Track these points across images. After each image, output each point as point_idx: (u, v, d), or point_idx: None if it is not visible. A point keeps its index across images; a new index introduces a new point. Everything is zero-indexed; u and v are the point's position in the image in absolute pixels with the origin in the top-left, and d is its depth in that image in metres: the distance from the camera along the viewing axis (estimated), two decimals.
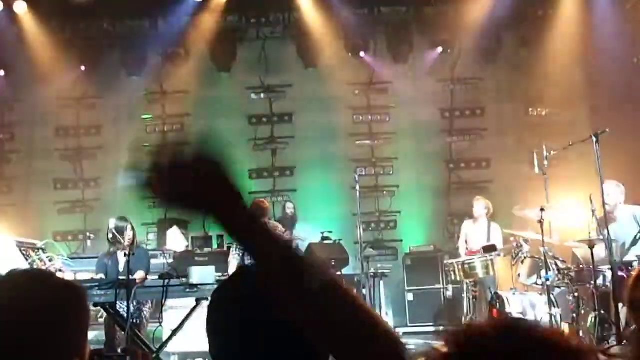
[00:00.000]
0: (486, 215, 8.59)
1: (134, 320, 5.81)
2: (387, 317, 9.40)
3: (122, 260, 6.14)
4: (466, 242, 8.72)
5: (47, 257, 6.05)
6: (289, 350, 1.22)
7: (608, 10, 9.75)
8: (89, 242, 10.62)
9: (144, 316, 6.26)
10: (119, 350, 5.85)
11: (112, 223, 6.45)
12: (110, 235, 6.43)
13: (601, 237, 6.18)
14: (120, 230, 6.35)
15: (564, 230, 7.64)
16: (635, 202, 6.70)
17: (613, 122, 7.04)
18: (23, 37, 10.40)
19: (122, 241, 6.23)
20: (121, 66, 11.10)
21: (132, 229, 6.52)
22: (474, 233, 8.62)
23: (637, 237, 6.58)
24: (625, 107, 9.24)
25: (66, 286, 1.43)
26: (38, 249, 6.12)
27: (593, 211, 6.41)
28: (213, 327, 1.30)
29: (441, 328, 9.14)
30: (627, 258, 6.41)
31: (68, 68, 10.79)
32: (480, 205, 8.63)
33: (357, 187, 6.12)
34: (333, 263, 8.15)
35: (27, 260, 5.78)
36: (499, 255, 7.79)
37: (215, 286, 1.34)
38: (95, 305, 5.16)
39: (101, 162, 11.36)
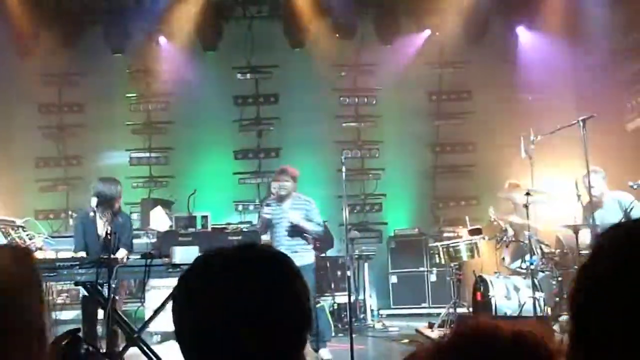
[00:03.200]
0: None
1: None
2: (371, 299, 9.42)
3: (101, 226, 5.88)
4: None
5: (27, 235, 5.96)
6: (252, 340, 1.17)
7: None
8: (70, 220, 10.49)
9: (119, 293, 6.13)
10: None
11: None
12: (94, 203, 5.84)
13: (586, 222, 6.21)
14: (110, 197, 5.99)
15: (548, 215, 7.66)
16: (619, 187, 6.71)
17: (599, 107, 7.05)
18: (3, 12, 10.16)
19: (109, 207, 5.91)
20: (105, 43, 10.91)
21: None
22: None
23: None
24: (611, 93, 9.25)
25: (14, 251, 1.37)
26: (18, 226, 6.02)
27: (579, 196, 6.44)
28: (178, 314, 1.24)
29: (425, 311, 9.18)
30: None
31: (50, 44, 10.58)
32: None
33: (343, 170, 6.06)
34: (318, 245, 8.12)
35: (6, 238, 5.68)
36: (483, 238, 7.81)
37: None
38: (77, 284, 5.09)
39: (84, 140, 11.22)
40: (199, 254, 1.32)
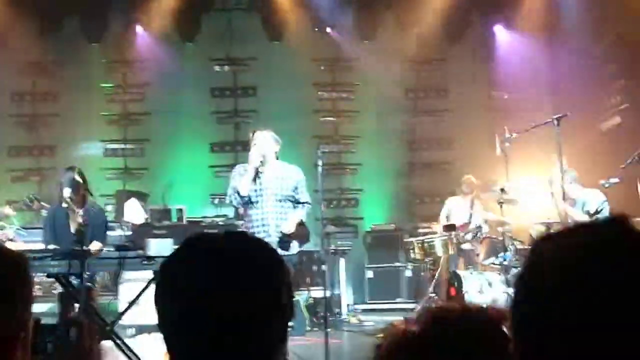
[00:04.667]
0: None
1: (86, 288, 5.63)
2: (347, 294, 9.45)
3: (73, 221, 5.74)
4: (447, 218, 8.76)
5: None
6: (238, 328, 1.17)
7: None
8: (43, 211, 10.35)
9: (96, 286, 6.05)
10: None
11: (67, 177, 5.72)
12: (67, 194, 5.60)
13: (558, 219, 6.29)
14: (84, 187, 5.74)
15: (522, 212, 7.75)
16: (592, 186, 6.81)
17: (575, 106, 7.14)
18: None
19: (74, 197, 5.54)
20: (81, 33, 10.77)
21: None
22: (459, 209, 8.66)
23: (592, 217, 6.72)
24: (587, 92, 9.38)
25: (8, 256, 1.35)
26: None
27: (552, 193, 6.53)
28: (157, 302, 1.23)
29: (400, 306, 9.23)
30: None
31: (25, 33, 10.40)
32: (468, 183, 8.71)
33: (320, 164, 6.03)
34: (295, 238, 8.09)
35: None
36: (458, 234, 7.87)
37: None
38: (49, 276, 5.03)
39: (57, 130, 11.06)
40: (188, 236, 1.30)
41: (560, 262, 0.92)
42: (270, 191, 5.61)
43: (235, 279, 1.19)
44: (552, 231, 1.06)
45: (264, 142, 5.68)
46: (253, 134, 5.85)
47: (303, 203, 5.76)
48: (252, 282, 1.20)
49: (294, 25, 10.73)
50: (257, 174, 5.59)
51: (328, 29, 11.00)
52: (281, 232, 5.56)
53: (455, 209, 8.76)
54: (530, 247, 1.04)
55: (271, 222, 5.57)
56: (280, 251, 1.30)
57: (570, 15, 9.75)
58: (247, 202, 5.62)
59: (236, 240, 1.27)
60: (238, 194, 5.57)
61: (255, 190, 5.60)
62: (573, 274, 0.90)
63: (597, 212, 6.67)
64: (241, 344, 1.17)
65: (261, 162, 5.59)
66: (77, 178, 5.72)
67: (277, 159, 5.80)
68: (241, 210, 6.02)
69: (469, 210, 8.64)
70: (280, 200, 5.63)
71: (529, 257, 0.98)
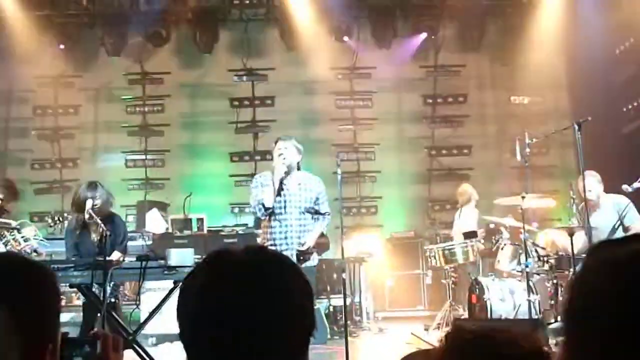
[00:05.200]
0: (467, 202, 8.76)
1: (111, 301, 5.70)
2: (367, 301, 9.42)
3: (95, 232, 5.79)
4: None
5: (22, 237, 5.94)
6: (261, 340, 1.18)
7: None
8: (66, 222, 10.46)
9: (119, 297, 6.11)
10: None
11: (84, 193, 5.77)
12: (86, 215, 5.67)
13: (581, 225, 6.22)
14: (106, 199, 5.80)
15: (544, 218, 7.68)
16: (614, 190, 6.73)
17: (594, 111, 7.07)
18: (1, 14, 10.16)
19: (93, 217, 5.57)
20: (101, 45, 10.92)
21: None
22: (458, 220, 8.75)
23: (616, 226, 6.63)
24: (607, 97, 9.29)
25: (37, 269, 1.37)
26: (13, 228, 6.00)
27: (573, 199, 6.46)
28: (180, 314, 1.25)
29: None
30: None
31: (46, 46, 10.57)
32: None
33: (339, 172, 6.04)
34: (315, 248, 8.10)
35: (1, 240, 5.67)
36: (479, 241, 7.83)
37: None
38: (71, 286, 5.08)
39: (79, 143, 11.22)
40: (210, 252, 1.31)
41: (613, 267, 1.00)
42: (294, 203, 5.65)
43: (255, 293, 1.20)
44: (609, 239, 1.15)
45: (288, 153, 5.68)
46: (276, 143, 5.86)
47: (323, 214, 5.78)
48: (272, 296, 1.21)
49: (310, 35, 10.78)
50: (281, 185, 5.60)
51: (345, 38, 11.02)
52: (301, 245, 5.59)
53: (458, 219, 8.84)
54: (588, 251, 1.11)
55: (293, 234, 5.62)
56: (300, 262, 1.31)
57: (589, 19, 9.67)
58: (271, 213, 5.63)
59: (256, 255, 1.29)
60: (263, 205, 5.59)
61: (279, 202, 5.62)
62: (625, 278, 0.97)
63: (623, 215, 6.58)
64: (261, 358, 1.19)
65: (285, 172, 5.62)
66: (101, 190, 5.79)
67: (299, 169, 5.82)
68: (263, 221, 5.92)
69: (464, 218, 8.75)
70: (302, 212, 5.67)
71: (585, 260, 1.08)
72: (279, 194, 5.60)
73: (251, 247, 1.31)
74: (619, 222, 6.61)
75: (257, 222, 9.04)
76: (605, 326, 0.96)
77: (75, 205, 5.81)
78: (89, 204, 5.60)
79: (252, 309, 1.18)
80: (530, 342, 1.10)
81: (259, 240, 6.65)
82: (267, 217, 5.69)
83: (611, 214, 6.64)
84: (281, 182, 5.61)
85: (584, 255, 5.60)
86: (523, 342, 1.10)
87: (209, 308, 1.20)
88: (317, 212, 5.76)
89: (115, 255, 5.70)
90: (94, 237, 5.75)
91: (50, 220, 6.90)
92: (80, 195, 5.78)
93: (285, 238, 5.60)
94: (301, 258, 5.55)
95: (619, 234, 6.50)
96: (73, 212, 5.92)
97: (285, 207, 5.63)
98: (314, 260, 5.83)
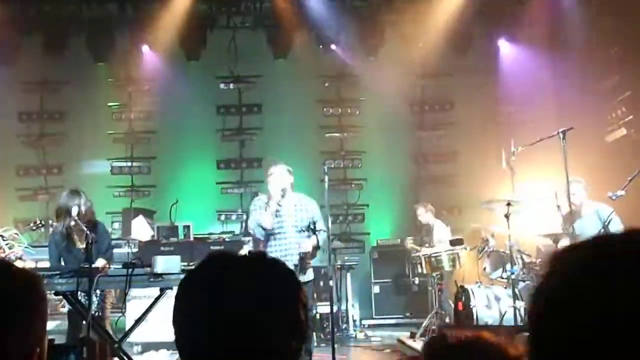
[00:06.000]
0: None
1: (97, 312, 5.65)
2: (354, 309, 9.42)
3: (79, 241, 5.75)
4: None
5: (7, 244, 5.89)
6: (259, 346, 1.18)
7: (577, 5, 9.86)
8: (50, 229, 10.38)
9: (106, 307, 6.06)
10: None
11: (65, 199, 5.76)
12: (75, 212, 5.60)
13: (566, 232, 6.27)
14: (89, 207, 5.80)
15: (529, 225, 7.73)
16: (598, 198, 6.79)
17: (580, 119, 7.14)
18: None
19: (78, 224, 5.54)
20: (87, 51, 10.87)
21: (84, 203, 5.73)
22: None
23: (601, 233, 6.69)
24: (592, 104, 9.37)
25: (24, 275, 1.37)
26: None
27: (558, 206, 6.51)
28: (179, 318, 1.24)
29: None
30: None
31: (32, 51, 10.52)
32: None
33: (326, 180, 6.06)
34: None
35: None
36: (465, 248, 7.86)
37: (181, 276, 1.29)
38: (57, 294, 5.04)
39: (65, 149, 11.14)
40: (208, 255, 1.30)
41: (570, 273, 0.96)
42: (291, 222, 5.89)
43: (255, 296, 1.21)
44: (572, 243, 1.09)
45: (280, 177, 5.93)
46: (268, 170, 6.12)
47: (319, 231, 5.96)
48: (272, 300, 1.22)
49: (298, 43, 10.81)
50: (277, 207, 5.86)
51: (332, 46, 11.06)
52: (300, 253, 5.79)
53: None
54: (550, 257, 1.07)
55: (292, 251, 5.83)
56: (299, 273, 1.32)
57: (574, 27, 9.77)
58: (270, 234, 5.89)
59: (256, 259, 1.29)
60: (262, 227, 5.85)
61: (277, 223, 5.86)
62: (590, 285, 0.93)
63: (606, 224, 6.64)
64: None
65: (281, 195, 5.85)
66: (83, 199, 5.74)
67: (292, 190, 6.03)
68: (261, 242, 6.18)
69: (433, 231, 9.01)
70: (299, 231, 5.90)
71: (549, 268, 1.04)
72: (276, 216, 5.86)
73: (252, 251, 1.31)
74: (602, 229, 6.67)
75: (245, 230, 9.05)
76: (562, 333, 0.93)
77: (62, 213, 5.74)
78: (74, 211, 5.55)
79: (251, 315, 1.18)
80: (510, 350, 1.11)
81: None
82: (266, 238, 5.94)
83: (593, 221, 6.70)
84: (278, 204, 5.86)
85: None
86: (504, 350, 1.11)
87: (207, 314, 1.20)
88: (313, 231, 5.93)
89: (100, 262, 5.65)
90: (80, 246, 5.70)
91: (32, 224, 6.83)
92: (64, 203, 5.72)
93: (285, 256, 5.72)
94: (300, 267, 5.71)
95: None
96: (59, 221, 5.84)
97: (282, 227, 5.88)
98: (309, 275, 5.98)
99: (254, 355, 1.18)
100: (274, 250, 5.82)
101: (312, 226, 5.89)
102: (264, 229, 5.85)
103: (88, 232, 5.31)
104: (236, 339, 1.17)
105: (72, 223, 5.60)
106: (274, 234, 5.88)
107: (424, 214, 9.09)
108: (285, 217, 5.88)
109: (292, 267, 5.19)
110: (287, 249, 5.83)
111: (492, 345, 1.12)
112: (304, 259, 5.80)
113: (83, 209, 5.67)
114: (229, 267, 1.25)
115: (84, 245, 5.44)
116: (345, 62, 11.29)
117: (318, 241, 5.93)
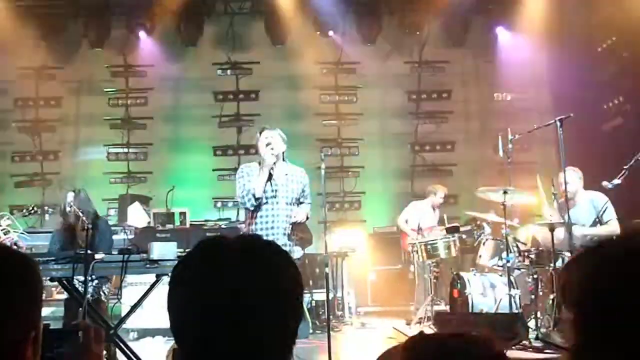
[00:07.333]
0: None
1: (93, 296, 5.66)
2: (349, 296, 9.45)
3: (80, 237, 5.84)
4: (406, 221, 9.06)
5: (2, 230, 5.88)
6: (255, 328, 1.18)
7: None
8: (46, 216, 10.38)
9: (103, 292, 6.07)
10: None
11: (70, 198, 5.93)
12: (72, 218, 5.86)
13: (562, 220, 6.28)
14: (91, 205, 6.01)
15: (525, 213, 7.75)
16: (594, 187, 6.80)
17: (577, 107, 7.13)
18: None
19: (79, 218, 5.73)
20: (84, 37, 10.81)
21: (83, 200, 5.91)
22: (419, 213, 8.83)
23: (596, 222, 6.71)
24: (589, 94, 9.37)
25: (20, 257, 1.37)
26: None
27: (554, 194, 6.52)
28: (174, 303, 1.24)
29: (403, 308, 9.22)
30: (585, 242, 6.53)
31: (28, 37, 10.44)
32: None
33: (323, 167, 6.04)
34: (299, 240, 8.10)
35: None
36: (461, 236, 7.89)
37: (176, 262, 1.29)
38: (52, 280, 5.04)
39: (61, 135, 11.11)
40: (200, 240, 1.30)
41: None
42: (282, 193, 5.55)
43: (251, 279, 1.20)
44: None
45: (275, 142, 5.57)
46: (260, 133, 5.75)
47: (305, 202, 5.72)
48: (268, 282, 1.21)
49: (296, 29, 10.76)
50: (269, 174, 5.52)
51: (330, 33, 11.02)
52: (292, 223, 5.52)
53: (416, 213, 8.90)
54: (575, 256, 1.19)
55: (280, 224, 5.52)
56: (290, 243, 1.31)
57: (571, 16, 9.74)
58: (260, 204, 5.49)
59: (251, 242, 1.28)
60: (253, 195, 5.45)
61: (267, 192, 5.50)
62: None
63: (600, 213, 6.66)
64: (256, 343, 1.19)
65: (274, 162, 5.52)
66: (84, 197, 5.84)
67: (284, 159, 5.74)
68: (245, 215, 5.85)
69: (432, 213, 9.06)
70: (289, 203, 5.58)
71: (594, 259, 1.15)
72: (270, 184, 5.51)
73: (245, 235, 1.31)
74: (596, 218, 6.69)
75: (247, 215, 9.06)
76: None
77: (63, 214, 5.93)
78: (73, 211, 5.65)
79: (246, 297, 1.18)
80: (485, 347, 1.12)
81: (243, 229, 6.53)
82: (254, 209, 5.54)
83: (588, 210, 6.72)
84: (269, 172, 5.51)
85: (566, 252, 5.63)
86: (478, 348, 1.11)
87: (202, 298, 1.19)
88: (300, 203, 5.71)
89: (99, 256, 5.67)
90: (80, 243, 5.78)
91: (24, 210, 6.83)
92: (64, 204, 5.88)
93: (272, 228, 5.51)
94: (291, 236, 5.51)
95: None
96: (64, 221, 5.98)
97: (275, 196, 5.51)
98: (298, 252, 5.81)
99: (249, 337, 1.17)
100: (262, 221, 5.51)
101: (301, 199, 5.64)
102: (256, 198, 5.43)
103: (84, 219, 5.34)
104: (231, 322, 1.17)
105: (72, 220, 5.70)
106: (263, 203, 5.48)
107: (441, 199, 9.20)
108: (277, 186, 5.54)
109: (282, 237, 5.12)
110: (275, 220, 5.49)
111: (476, 343, 1.13)
112: (294, 230, 5.55)
113: (82, 209, 5.77)
114: (222, 251, 1.25)
115: (83, 238, 5.50)
116: (342, 50, 11.25)
117: (308, 211, 5.68)
